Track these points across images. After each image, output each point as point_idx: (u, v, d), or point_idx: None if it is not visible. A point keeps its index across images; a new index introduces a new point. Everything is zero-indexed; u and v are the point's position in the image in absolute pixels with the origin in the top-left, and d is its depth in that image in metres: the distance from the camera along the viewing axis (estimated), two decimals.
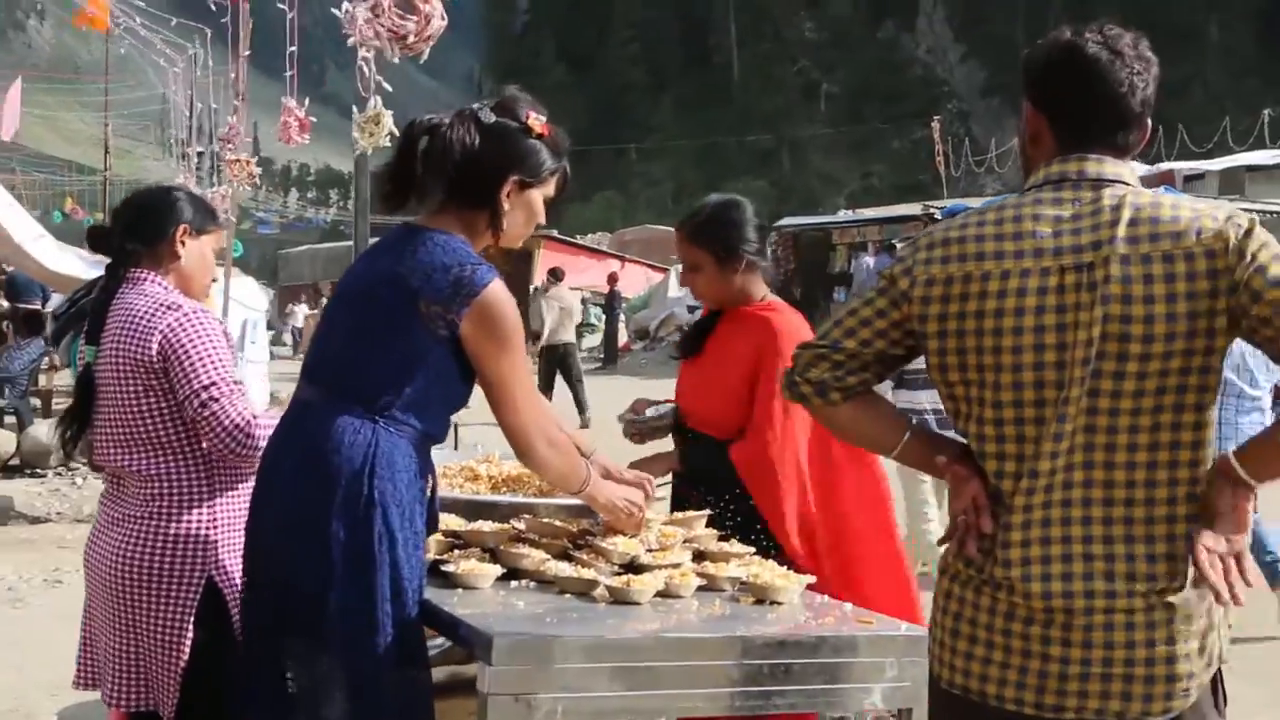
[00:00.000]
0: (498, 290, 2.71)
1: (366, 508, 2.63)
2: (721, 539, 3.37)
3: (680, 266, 3.92)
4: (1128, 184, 2.27)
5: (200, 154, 17.61)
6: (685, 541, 3.27)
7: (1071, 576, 2.18)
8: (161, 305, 3.18)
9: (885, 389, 8.11)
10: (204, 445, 3.15)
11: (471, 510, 3.25)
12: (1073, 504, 2.20)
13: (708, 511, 3.45)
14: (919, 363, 2.46)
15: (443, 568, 2.92)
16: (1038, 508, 2.21)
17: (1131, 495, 2.18)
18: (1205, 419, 2.19)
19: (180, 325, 3.14)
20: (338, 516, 2.62)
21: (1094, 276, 2.18)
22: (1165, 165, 28.47)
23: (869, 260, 24.90)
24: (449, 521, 3.15)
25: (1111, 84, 2.28)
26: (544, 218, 2.96)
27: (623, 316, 27.98)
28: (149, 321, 3.15)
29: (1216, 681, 2.26)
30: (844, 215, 32.77)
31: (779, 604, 2.96)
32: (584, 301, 24.33)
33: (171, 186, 3.77)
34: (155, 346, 3.11)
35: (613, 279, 27.32)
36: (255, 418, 3.11)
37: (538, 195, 2.89)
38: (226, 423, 3.07)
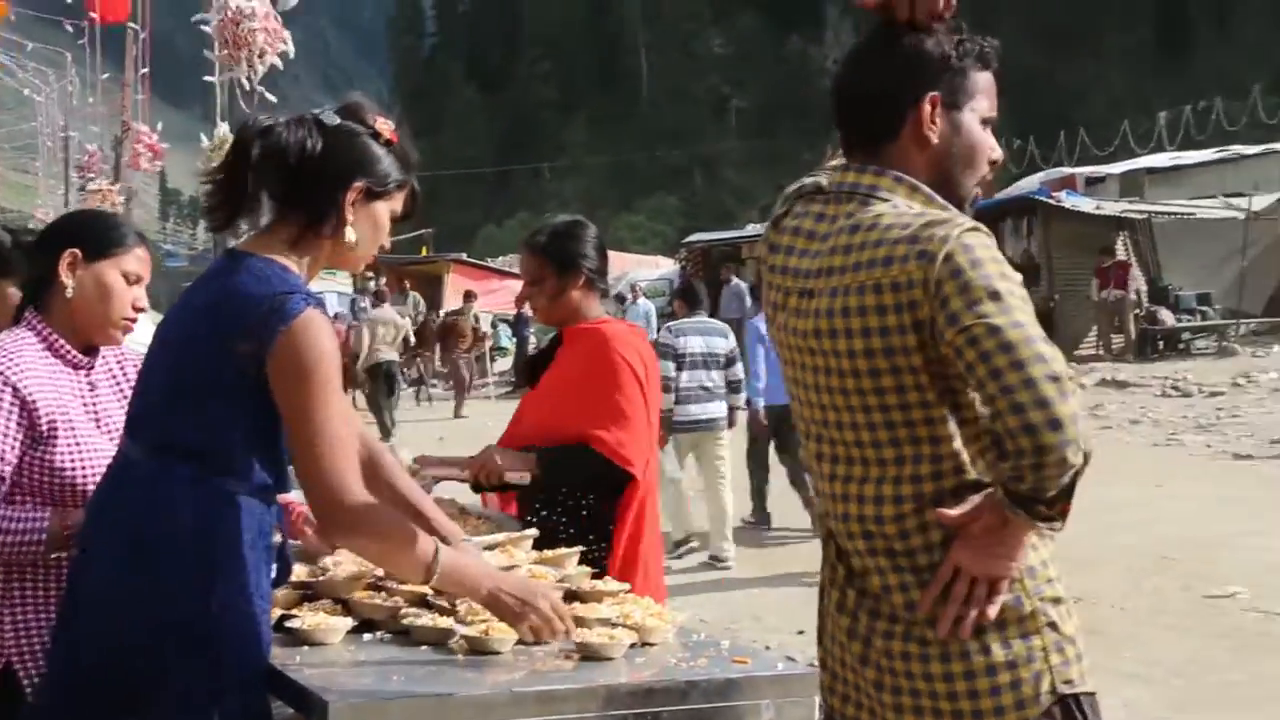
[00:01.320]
0: (312, 320, 2.38)
1: (202, 575, 2.38)
2: (595, 576, 3.23)
3: None
4: (881, 198, 2.14)
5: (87, 181, 17.19)
6: (557, 582, 3.12)
7: (863, 598, 2.17)
8: None
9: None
10: None
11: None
12: (853, 537, 2.17)
13: (579, 548, 3.32)
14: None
15: (287, 623, 2.72)
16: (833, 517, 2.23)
17: (883, 530, 2.11)
18: (941, 451, 2.07)
19: None
20: (170, 585, 2.37)
21: (811, 305, 2.14)
22: (1066, 169, 28.92)
23: (739, 283, 24.47)
24: (297, 571, 2.96)
25: (857, 85, 2.23)
26: (388, 240, 2.69)
27: (533, 338, 27.73)
28: None
29: (1070, 710, 2.10)
30: (753, 229, 32.83)
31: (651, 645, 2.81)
32: (493, 324, 24.14)
33: (67, 214, 3.53)
34: None
35: (520, 300, 27.06)
36: None
37: (384, 209, 2.59)
38: None
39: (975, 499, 2.06)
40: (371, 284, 24.01)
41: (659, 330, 12.45)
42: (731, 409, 9.75)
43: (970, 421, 2.09)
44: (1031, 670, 2.06)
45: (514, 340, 27.23)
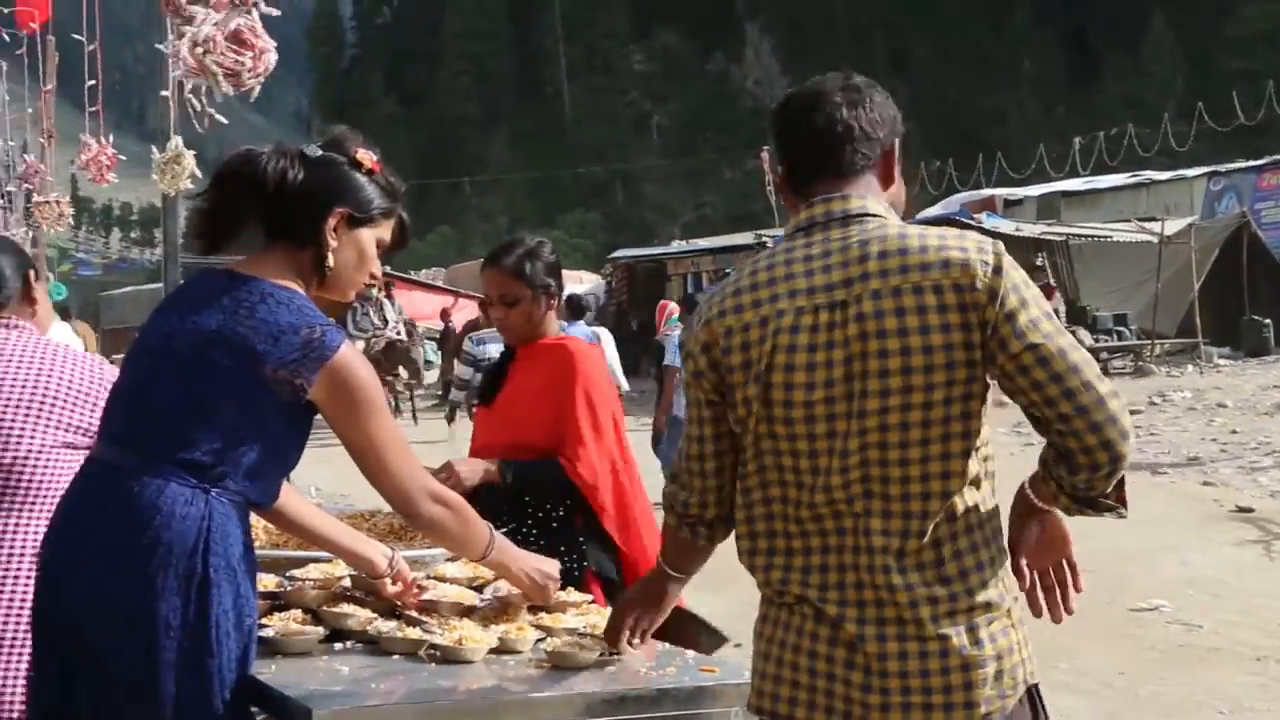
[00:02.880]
0: (349, 353, 2.50)
1: (201, 588, 2.38)
2: (560, 587, 3.25)
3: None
4: (876, 215, 2.28)
5: (10, 194, 16.86)
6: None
7: (864, 604, 2.20)
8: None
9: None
10: None
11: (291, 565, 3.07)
12: (858, 533, 2.21)
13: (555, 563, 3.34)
14: None
15: (260, 632, 2.71)
16: (832, 533, 2.24)
17: (908, 527, 2.19)
18: (975, 450, 2.21)
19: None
20: (168, 597, 2.35)
21: (846, 314, 2.20)
22: (986, 191, 29.47)
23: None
24: (265, 581, 2.95)
25: (813, 121, 2.33)
26: (378, 266, 2.73)
27: (472, 352, 27.56)
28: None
29: (1034, 700, 2.27)
30: (677, 246, 33.02)
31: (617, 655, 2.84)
32: (417, 337, 23.86)
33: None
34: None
35: (445, 314, 26.94)
36: None
37: (369, 236, 2.64)
38: None
39: (1021, 521, 2.31)
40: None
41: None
42: None
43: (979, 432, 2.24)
44: (1012, 661, 2.20)
45: (439, 354, 27.01)
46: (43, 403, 3.11)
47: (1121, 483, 2.21)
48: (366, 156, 2.65)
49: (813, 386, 2.23)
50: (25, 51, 12.73)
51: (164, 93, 4.28)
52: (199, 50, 3.95)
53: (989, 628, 2.18)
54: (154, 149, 5.40)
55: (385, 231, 2.69)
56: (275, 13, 3.78)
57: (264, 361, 2.43)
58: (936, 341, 2.14)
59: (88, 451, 2.90)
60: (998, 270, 2.15)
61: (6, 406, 3.09)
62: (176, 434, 2.45)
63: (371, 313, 19.58)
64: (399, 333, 20.16)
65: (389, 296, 20.46)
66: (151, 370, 2.55)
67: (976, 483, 2.22)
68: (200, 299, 2.56)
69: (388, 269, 33.72)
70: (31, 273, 3.34)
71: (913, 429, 2.17)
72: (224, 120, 5.15)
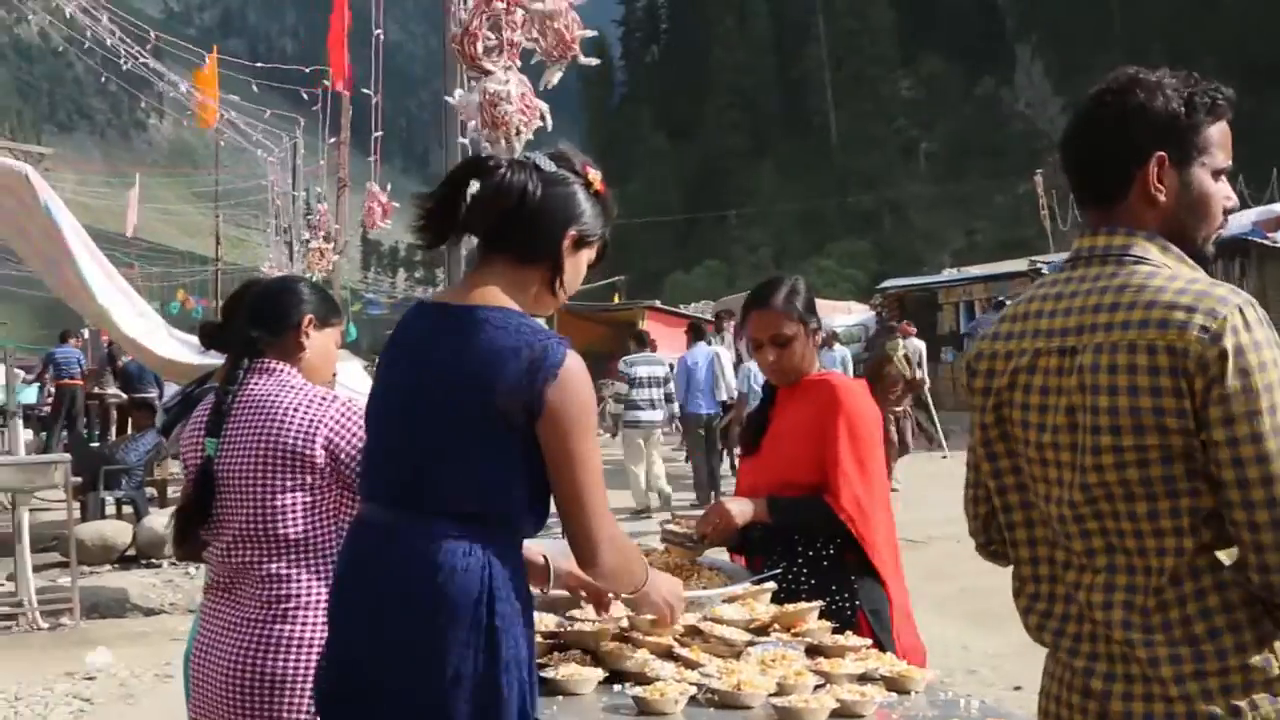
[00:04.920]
0: (574, 366, 2.41)
1: (490, 635, 2.37)
2: (835, 631, 3.20)
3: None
4: (1136, 257, 2.16)
5: (307, 241, 17.94)
6: (795, 634, 3.12)
7: (1113, 659, 2.13)
8: (316, 397, 3.12)
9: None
10: None
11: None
12: (1093, 589, 2.14)
13: (819, 603, 3.30)
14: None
15: (541, 672, 2.76)
16: (1072, 584, 2.20)
17: (1145, 583, 2.09)
18: (1198, 514, 2.05)
19: (345, 418, 3.10)
20: (458, 649, 2.35)
21: (1073, 362, 2.12)
22: (1277, 207, 27.68)
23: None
24: (544, 621, 3.01)
25: (1086, 147, 2.24)
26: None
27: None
28: (304, 414, 3.07)
29: None
30: (949, 274, 32.37)
31: (905, 693, 2.79)
32: None
33: (293, 277, 3.74)
34: (319, 440, 3.05)
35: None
36: None
37: (585, 257, 2.62)
38: None
39: None
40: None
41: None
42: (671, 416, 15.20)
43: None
44: None
45: None
46: (269, 452, 3.07)
47: None
48: (595, 176, 2.61)
49: (1042, 428, 2.19)
50: (320, 106, 13.57)
51: (462, 139, 4.41)
52: (491, 104, 4.06)
53: (1249, 695, 2.05)
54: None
55: (593, 252, 2.65)
56: (594, 61, 3.86)
57: (494, 393, 2.38)
58: (1145, 404, 2.03)
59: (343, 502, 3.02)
60: (1217, 339, 1.99)
61: (244, 456, 3.10)
62: (437, 487, 2.43)
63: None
64: None
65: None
66: (396, 427, 2.53)
67: (1216, 545, 2.08)
68: (417, 342, 2.54)
69: (658, 303, 34.29)
70: (309, 317, 3.30)
71: (1134, 486, 2.06)
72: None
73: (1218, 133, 2.20)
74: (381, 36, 10.89)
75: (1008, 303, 17.90)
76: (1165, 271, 2.13)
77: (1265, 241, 21.58)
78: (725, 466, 15.71)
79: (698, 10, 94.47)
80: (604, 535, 2.49)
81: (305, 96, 13.51)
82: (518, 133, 3.86)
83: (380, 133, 8.80)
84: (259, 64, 21.57)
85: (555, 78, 3.89)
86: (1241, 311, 2.02)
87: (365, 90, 9.12)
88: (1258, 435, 1.96)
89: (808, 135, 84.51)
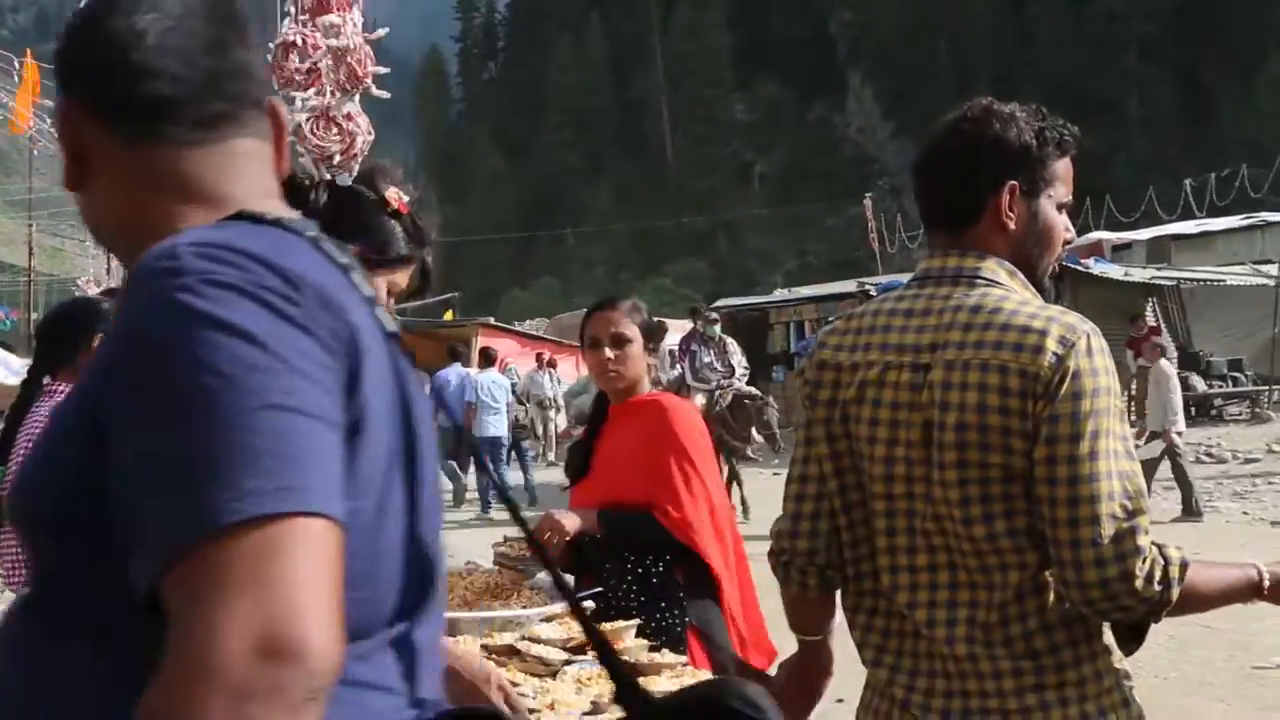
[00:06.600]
0: None
1: None
2: (652, 649, 3.21)
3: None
4: (987, 280, 2.21)
5: None
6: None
7: (934, 675, 2.17)
8: None
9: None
10: None
11: None
12: (937, 606, 2.18)
13: (636, 621, 3.31)
14: None
15: None
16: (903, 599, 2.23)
17: (986, 598, 2.13)
18: (1035, 531, 2.10)
19: None
20: None
21: (926, 378, 2.15)
22: (1094, 235, 28.90)
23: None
24: None
25: (940, 171, 2.28)
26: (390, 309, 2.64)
27: (561, 401, 27.70)
28: None
29: None
30: (780, 294, 32.91)
31: None
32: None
33: (89, 299, 3.61)
34: None
35: (552, 363, 27.09)
36: None
37: (381, 282, 2.43)
38: None
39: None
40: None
41: None
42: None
43: None
44: None
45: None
46: None
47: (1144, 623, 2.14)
48: (395, 196, 2.49)
49: (892, 443, 2.20)
50: None
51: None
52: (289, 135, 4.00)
53: (1081, 705, 2.11)
54: None
55: (403, 278, 2.51)
56: (385, 95, 3.79)
57: None
58: (993, 422, 2.07)
59: None
60: (1061, 360, 2.05)
61: None
62: None
63: (714, 356, 14.56)
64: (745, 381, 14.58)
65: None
66: None
67: (1037, 573, 2.13)
68: None
69: (492, 320, 34.14)
70: (101, 338, 3.20)
71: (974, 504, 2.10)
72: (329, 178, 5.19)
73: (1063, 168, 2.28)
74: None
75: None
76: (1015, 296, 2.18)
77: (1079, 267, 22.45)
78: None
79: (535, 29, 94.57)
80: None
81: None
82: (330, 159, 3.78)
83: None
84: None
85: (345, 110, 3.84)
86: (1089, 338, 2.08)
87: None
88: (1074, 457, 2.01)
89: (644, 155, 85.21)
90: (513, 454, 17.28)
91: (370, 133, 4.40)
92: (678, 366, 14.38)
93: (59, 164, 1.46)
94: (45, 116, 18.61)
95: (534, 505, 15.85)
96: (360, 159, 4.45)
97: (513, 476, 17.06)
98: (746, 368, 14.99)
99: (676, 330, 30.62)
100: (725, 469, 13.49)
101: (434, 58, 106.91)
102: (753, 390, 14.32)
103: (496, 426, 16.25)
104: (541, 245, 79.05)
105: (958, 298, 2.19)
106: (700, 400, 13.33)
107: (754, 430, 13.60)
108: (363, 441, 1.23)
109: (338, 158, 4.18)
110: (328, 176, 2.56)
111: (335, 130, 3.67)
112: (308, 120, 3.95)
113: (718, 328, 14.72)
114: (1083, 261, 22.90)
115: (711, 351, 14.31)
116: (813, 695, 2.57)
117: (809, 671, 2.55)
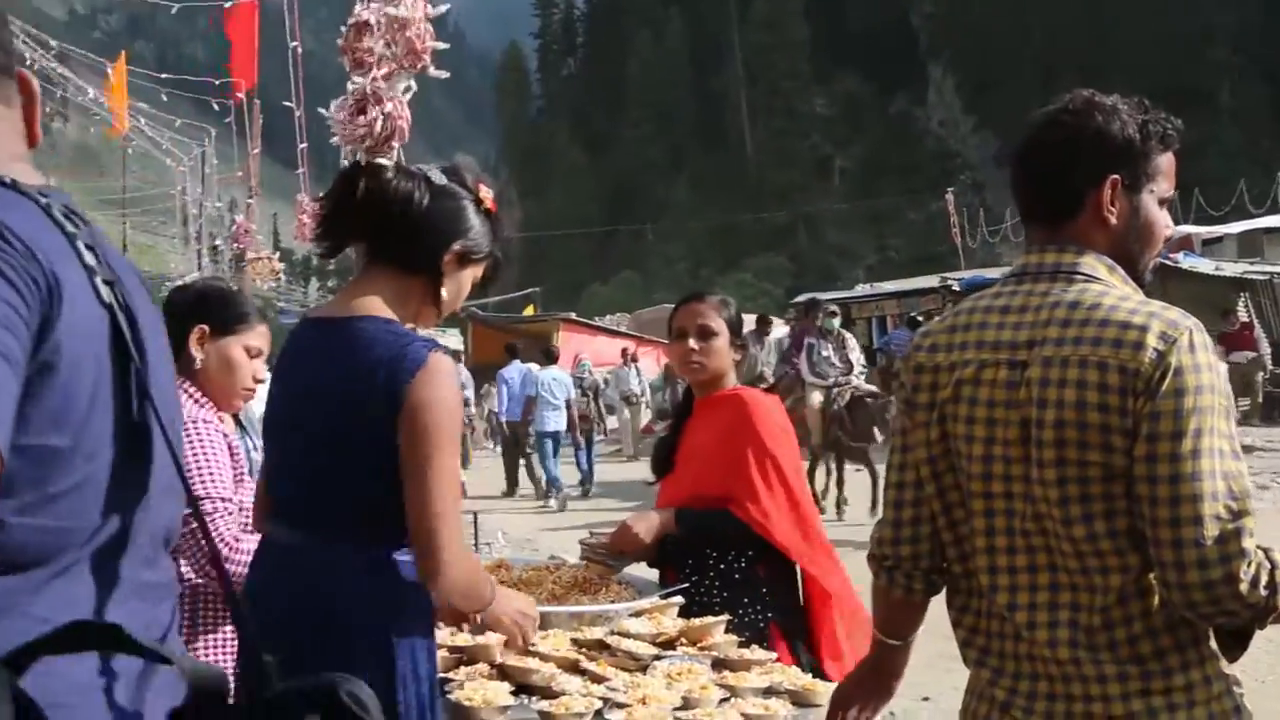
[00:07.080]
0: (437, 367, 2.36)
1: (385, 652, 2.34)
2: (741, 645, 3.20)
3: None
4: (1086, 275, 2.17)
5: (215, 248, 17.63)
6: (702, 648, 3.11)
7: (1037, 677, 2.15)
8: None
9: None
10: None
11: None
12: (1038, 608, 2.13)
13: (725, 617, 3.30)
14: None
15: (449, 694, 2.68)
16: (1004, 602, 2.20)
17: (1089, 601, 2.09)
18: (1137, 532, 2.06)
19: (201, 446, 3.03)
20: (356, 670, 2.32)
21: (1024, 376, 2.11)
22: (1184, 229, 28.32)
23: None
24: (457, 637, 2.97)
25: (1040, 164, 2.24)
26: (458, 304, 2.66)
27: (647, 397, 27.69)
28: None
29: None
30: (862, 289, 32.68)
31: (811, 706, 2.79)
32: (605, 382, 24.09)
33: (178, 288, 3.63)
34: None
35: (634, 357, 27.11)
36: (238, 540, 2.95)
37: (469, 275, 2.60)
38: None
39: None
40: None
41: None
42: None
43: None
44: None
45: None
46: None
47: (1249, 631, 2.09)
48: (486, 194, 2.60)
49: (990, 441, 2.17)
50: (233, 118, 13.43)
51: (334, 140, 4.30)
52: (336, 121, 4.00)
53: (1190, 711, 2.06)
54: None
55: (480, 271, 2.63)
56: (444, 75, 3.78)
57: (366, 407, 2.35)
58: (1092, 419, 2.03)
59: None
60: (1162, 357, 2.01)
61: None
62: (329, 507, 2.41)
63: (831, 351, 13.84)
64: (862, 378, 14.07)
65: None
66: (287, 445, 2.52)
67: (1140, 572, 2.09)
68: (299, 358, 2.53)
69: (573, 315, 34.24)
70: (198, 329, 3.20)
71: (1073, 504, 2.06)
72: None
73: (1166, 162, 2.24)
74: (299, 49, 10.76)
75: (920, 319, 17.69)
76: (1115, 291, 2.14)
77: (1168, 262, 22.04)
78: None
79: (614, 24, 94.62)
80: (452, 549, 2.37)
81: (216, 107, 13.34)
82: (362, 142, 3.76)
83: (305, 144, 8.67)
84: (165, 74, 21.23)
85: (401, 87, 3.81)
86: (1191, 334, 2.04)
87: (287, 104, 8.97)
88: (1176, 455, 1.97)
89: (724, 150, 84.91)
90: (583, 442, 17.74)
91: (408, 121, 4.38)
92: (793, 360, 13.84)
93: (151, 162, 1.64)
94: (138, 117, 18.95)
95: (586, 497, 16.30)
96: (400, 143, 4.43)
97: (568, 472, 17.17)
98: (865, 365, 14.61)
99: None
100: (834, 470, 13.45)
101: (513, 54, 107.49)
102: (873, 388, 13.77)
103: (556, 421, 16.76)
104: (622, 240, 79.15)
105: (1056, 293, 2.16)
106: (817, 397, 13.20)
107: (875, 430, 12.96)
108: (53, 381, 1.37)
109: (369, 142, 4.16)
110: (424, 171, 2.58)
111: (377, 113, 3.66)
112: (339, 106, 3.93)
113: (836, 320, 14.12)
114: (1171, 256, 22.46)
115: (829, 345, 13.73)
116: (885, 697, 2.56)
117: (884, 673, 2.54)
